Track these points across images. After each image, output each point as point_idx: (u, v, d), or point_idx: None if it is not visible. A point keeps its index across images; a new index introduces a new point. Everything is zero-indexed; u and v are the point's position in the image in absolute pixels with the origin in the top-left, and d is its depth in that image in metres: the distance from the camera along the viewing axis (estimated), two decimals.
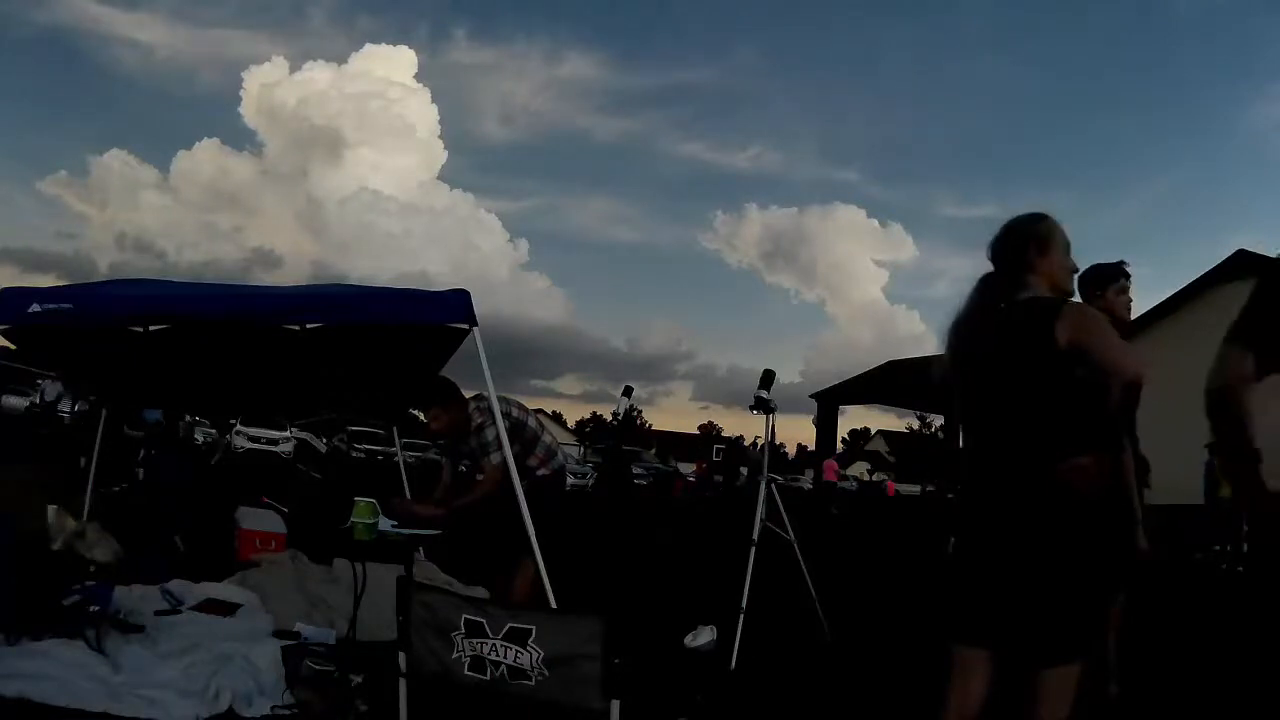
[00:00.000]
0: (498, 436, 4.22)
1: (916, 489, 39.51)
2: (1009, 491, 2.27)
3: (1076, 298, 2.49)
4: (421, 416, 5.03)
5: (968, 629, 2.35)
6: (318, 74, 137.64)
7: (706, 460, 38.51)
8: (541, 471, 4.62)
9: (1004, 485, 2.29)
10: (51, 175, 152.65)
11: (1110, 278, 3.52)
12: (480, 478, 4.48)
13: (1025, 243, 2.39)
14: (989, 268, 2.47)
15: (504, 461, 4.14)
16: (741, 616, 4.59)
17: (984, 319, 2.39)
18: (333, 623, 4.34)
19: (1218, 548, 11.39)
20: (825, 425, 25.65)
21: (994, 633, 2.29)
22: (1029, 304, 2.32)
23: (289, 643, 3.92)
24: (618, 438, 19.30)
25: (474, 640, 2.07)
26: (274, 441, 22.90)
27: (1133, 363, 2.19)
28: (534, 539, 3.89)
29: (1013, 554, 2.23)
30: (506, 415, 4.41)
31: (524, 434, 4.61)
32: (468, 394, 4.65)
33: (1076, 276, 2.52)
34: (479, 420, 4.46)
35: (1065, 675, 2.22)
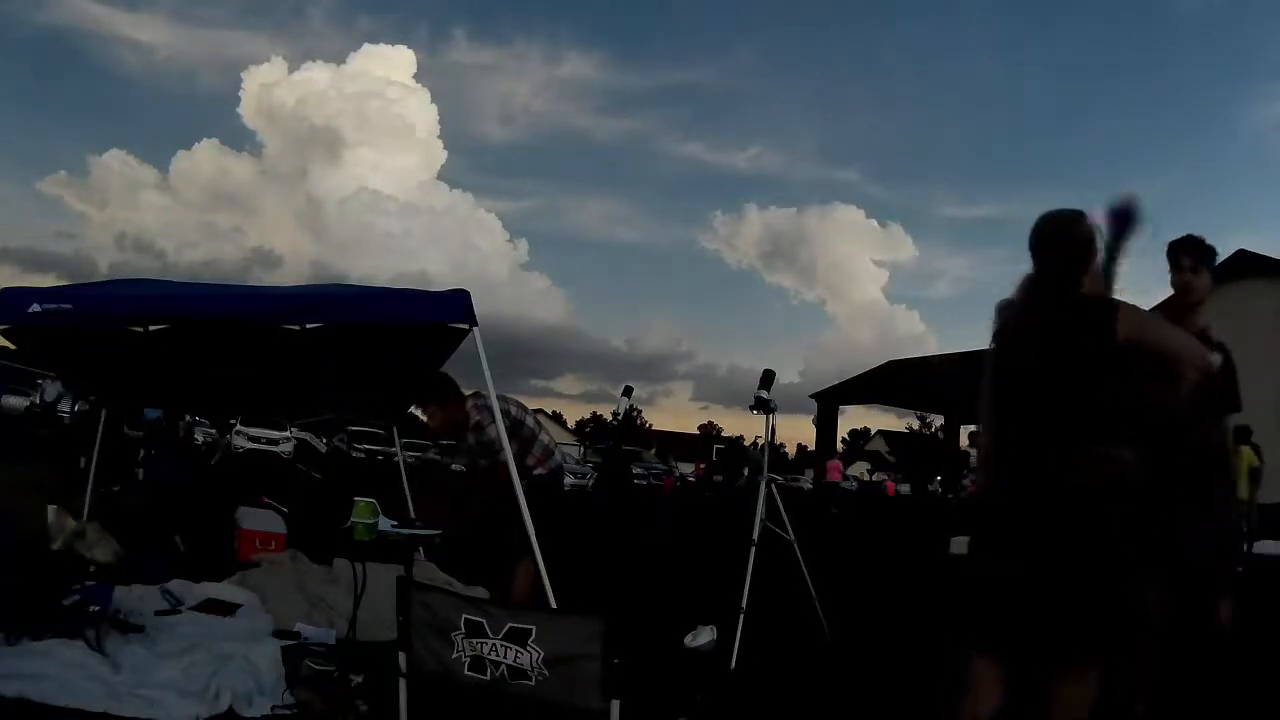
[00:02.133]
0: (504, 428, 4.25)
1: (912, 489, 39.49)
2: (1050, 485, 2.24)
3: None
4: (420, 415, 5.03)
5: (985, 637, 2.34)
6: (316, 74, 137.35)
7: (706, 460, 38.60)
8: (539, 471, 4.62)
9: (1046, 479, 2.26)
10: (51, 175, 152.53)
11: (1168, 258, 3.13)
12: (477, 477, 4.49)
13: (1085, 246, 2.38)
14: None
15: (517, 452, 4.22)
16: (741, 616, 4.59)
17: (1036, 318, 2.39)
18: (333, 623, 4.35)
19: None
20: (825, 425, 25.70)
21: (1011, 637, 2.27)
22: (1083, 302, 2.33)
23: (289, 643, 3.93)
24: (618, 438, 19.28)
25: (474, 640, 2.07)
26: (274, 441, 22.87)
27: (1200, 350, 2.27)
28: (534, 538, 3.89)
29: (1043, 542, 2.22)
30: (505, 413, 4.41)
31: (521, 432, 4.61)
32: (466, 392, 4.65)
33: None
34: (477, 418, 4.46)
35: (1080, 680, 2.22)
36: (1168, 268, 3.11)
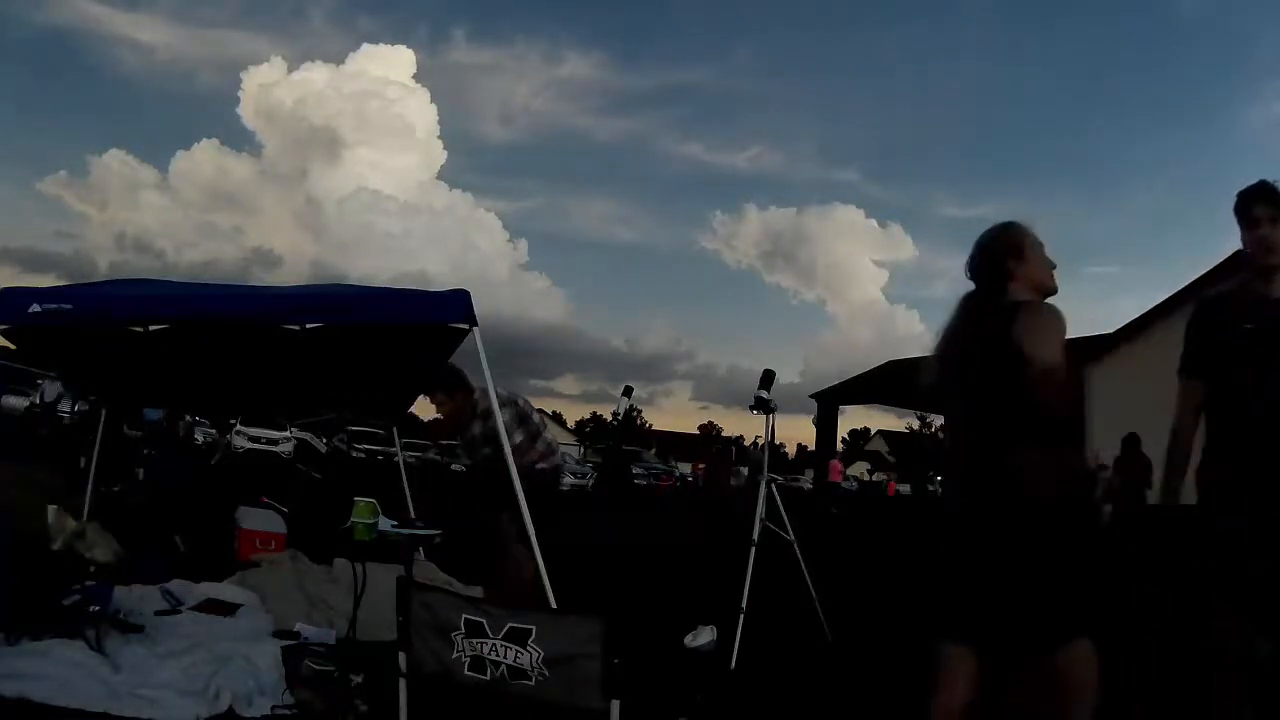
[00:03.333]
0: (511, 420, 4.41)
1: (913, 489, 39.54)
2: (974, 489, 2.37)
3: (1058, 296, 2.49)
4: (430, 403, 5.03)
5: (950, 626, 2.43)
6: (315, 74, 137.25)
7: (706, 460, 38.57)
8: (540, 466, 4.64)
9: (970, 484, 2.40)
10: (51, 175, 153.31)
11: (1239, 212, 2.65)
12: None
13: (1002, 255, 2.41)
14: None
15: (523, 442, 4.38)
16: (741, 616, 4.59)
17: (963, 330, 2.45)
18: (333, 623, 4.35)
19: None
20: (825, 425, 25.66)
21: (971, 628, 2.38)
22: (997, 308, 2.36)
23: (289, 643, 3.93)
24: (618, 438, 19.31)
25: (474, 640, 2.07)
26: (274, 441, 22.86)
27: (1045, 352, 2.15)
28: (532, 532, 3.88)
29: (979, 550, 2.33)
30: (513, 403, 4.54)
31: (528, 426, 4.65)
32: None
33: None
34: (486, 405, 4.50)
35: (1068, 661, 2.27)
36: (1239, 225, 2.64)
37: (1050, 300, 2.43)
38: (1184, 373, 2.77)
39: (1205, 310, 2.80)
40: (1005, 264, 2.39)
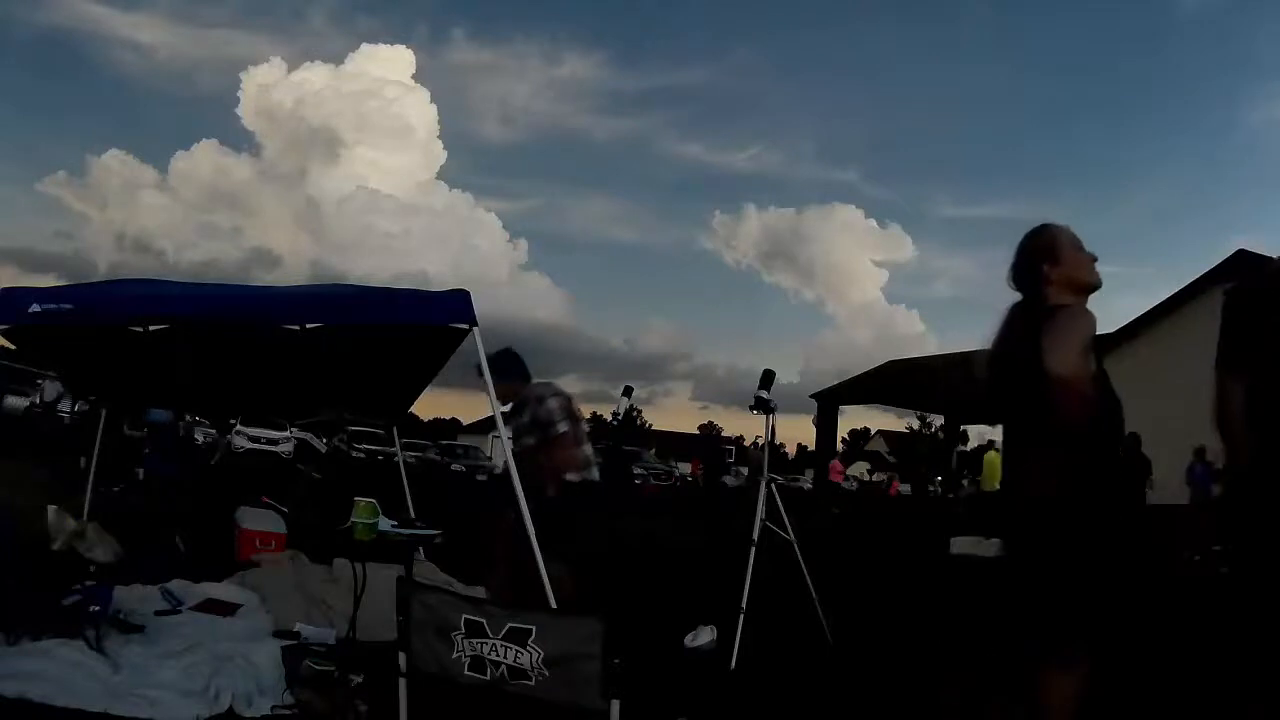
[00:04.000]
0: (561, 407, 4.49)
1: (913, 489, 39.54)
2: (1006, 488, 2.43)
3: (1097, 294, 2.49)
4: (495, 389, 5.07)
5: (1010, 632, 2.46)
6: (315, 74, 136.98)
7: (704, 461, 38.56)
8: (570, 477, 4.63)
9: (1006, 482, 2.44)
10: (51, 175, 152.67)
11: None
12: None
13: (1035, 260, 2.43)
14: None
15: (568, 433, 4.47)
16: (741, 616, 4.59)
17: (1006, 338, 2.48)
18: (333, 623, 4.35)
19: (1217, 548, 11.35)
20: (825, 425, 25.64)
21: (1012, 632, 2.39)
22: (1035, 314, 2.37)
23: (289, 643, 3.93)
24: (618, 438, 19.29)
25: (474, 640, 2.07)
26: (274, 441, 22.92)
27: (1063, 361, 2.14)
28: (533, 536, 3.88)
29: (1011, 554, 2.36)
30: (566, 397, 4.64)
31: (574, 429, 4.65)
32: (478, 393, 4.69)
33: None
34: (540, 392, 4.59)
35: (1057, 679, 2.24)
36: None
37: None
38: (1225, 367, 2.40)
39: (1245, 301, 2.47)
40: (1040, 268, 2.42)
